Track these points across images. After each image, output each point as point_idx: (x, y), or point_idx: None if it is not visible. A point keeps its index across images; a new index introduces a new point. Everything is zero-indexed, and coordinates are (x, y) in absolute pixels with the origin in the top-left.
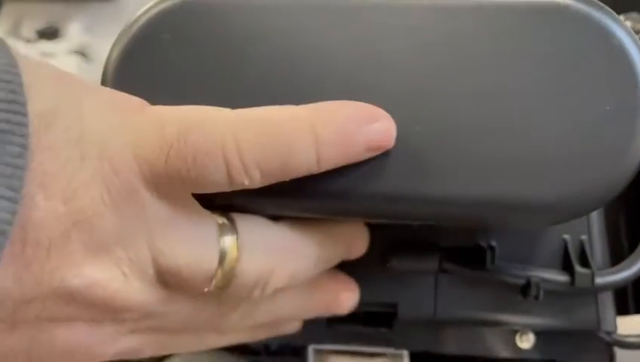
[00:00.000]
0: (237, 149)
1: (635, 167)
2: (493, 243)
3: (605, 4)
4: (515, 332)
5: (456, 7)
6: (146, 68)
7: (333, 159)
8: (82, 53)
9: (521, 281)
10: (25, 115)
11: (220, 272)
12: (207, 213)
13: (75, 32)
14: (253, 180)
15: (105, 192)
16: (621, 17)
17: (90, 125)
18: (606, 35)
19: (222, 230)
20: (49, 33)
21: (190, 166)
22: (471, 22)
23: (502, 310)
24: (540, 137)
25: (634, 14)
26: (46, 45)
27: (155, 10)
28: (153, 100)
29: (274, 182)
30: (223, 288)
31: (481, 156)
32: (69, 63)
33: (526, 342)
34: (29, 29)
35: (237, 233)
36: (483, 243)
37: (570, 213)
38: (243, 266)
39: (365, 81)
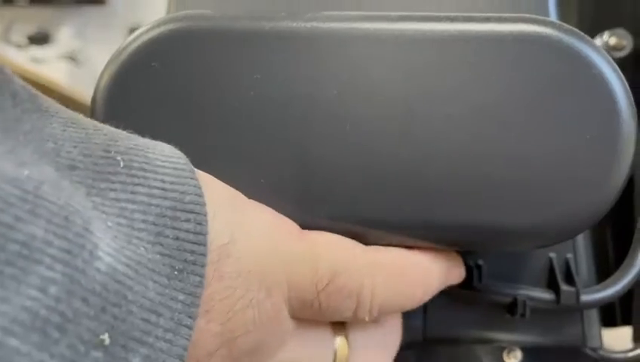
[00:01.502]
0: (371, 295)
1: (618, 192)
2: (481, 262)
3: (590, 20)
4: (503, 349)
5: (439, 37)
6: (135, 96)
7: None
8: (73, 59)
9: (508, 299)
10: (206, 245)
11: None
12: (321, 329)
13: (65, 37)
14: (370, 317)
15: (257, 315)
16: (606, 33)
17: (256, 255)
18: (586, 65)
19: (334, 329)
20: (39, 38)
21: (331, 303)
22: (453, 50)
23: (489, 327)
24: (523, 164)
25: (619, 30)
26: (37, 51)
27: (144, 38)
28: (142, 128)
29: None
30: None
31: (466, 183)
32: (59, 69)
33: (513, 358)
34: (19, 35)
35: (346, 331)
36: (470, 263)
37: (553, 237)
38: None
39: (353, 109)
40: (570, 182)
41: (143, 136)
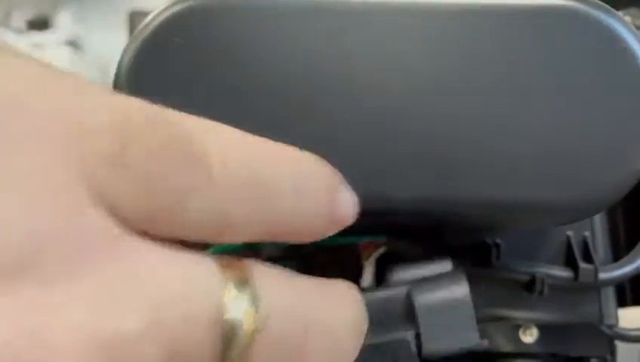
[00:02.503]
0: (222, 165)
1: None
2: (499, 240)
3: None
4: (519, 326)
5: (468, 10)
6: (158, 72)
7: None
8: (73, 44)
9: (526, 277)
10: None
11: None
12: (197, 257)
13: (65, 22)
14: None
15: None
16: (620, 13)
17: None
18: (614, 39)
19: (225, 272)
20: (39, 23)
21: (154, 163)
22: (481, 24)
23: (507, 305)
24: (551, 139)
25: (633, 10)
26: (37, 36)
27: (166, 14)
28: (165, 104)
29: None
30: None
31: (492, 158)
32: (60, 55)
33: (529, 336)
34: (19, 19)
35: (254, 293)
36: (488, 240)
37: (578, 213)
38: (266, 339)
39: (381, 84)
40: (598, 156)
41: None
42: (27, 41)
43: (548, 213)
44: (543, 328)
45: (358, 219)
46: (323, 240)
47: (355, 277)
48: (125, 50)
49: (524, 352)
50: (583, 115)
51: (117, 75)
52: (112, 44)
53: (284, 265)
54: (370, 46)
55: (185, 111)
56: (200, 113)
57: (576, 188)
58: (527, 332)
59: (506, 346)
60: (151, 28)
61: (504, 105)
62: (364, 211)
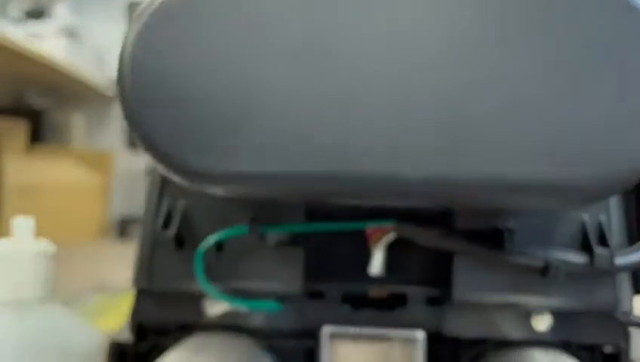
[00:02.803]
0: None
1: None
2: (512, 225)
3: None
4: (531, 314)
5: None
6: (165, 48)
7: None
8: (71, 34)
9: (540, 263)
10: None
11: None
12: None
13: (62, 11)
14: None
15: None
16: None
17: None
18: None
19: None
20: (36, 13)
21: None
22: (515, 3)
23: (519, 291)
24: (566, 119)
25: None
26: (34, 25)
27: None
28: (169, 82)
29: None
30: None
31: (505, 137)
32: (58, 44)
33: (542, 323)
34: (16, 9)
35: None
36: (501, 226)
37: (594, 194)
38: None
39: (402, 58)
40: (614, 137)
41: (170, 89)
42: (25, 31)
43: (564, 193)
44: (556, 315)
45: (368, 203)
46: (330, 226)
47: (364, 262)
48: (128, 32)
49: (537, 340)
50: (602, 95)
51: (121, 56)
52: (109, 35)
53: (292, 251)
54: (383, 21)
55: (189, 90)
56: (203, 91)
57: (595, 168)
58: (540, 319)
59: (517, 334)
60: (152, 8)
61: (526, 85)
62: (378, 193)
